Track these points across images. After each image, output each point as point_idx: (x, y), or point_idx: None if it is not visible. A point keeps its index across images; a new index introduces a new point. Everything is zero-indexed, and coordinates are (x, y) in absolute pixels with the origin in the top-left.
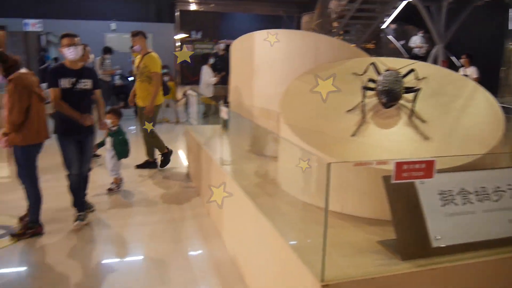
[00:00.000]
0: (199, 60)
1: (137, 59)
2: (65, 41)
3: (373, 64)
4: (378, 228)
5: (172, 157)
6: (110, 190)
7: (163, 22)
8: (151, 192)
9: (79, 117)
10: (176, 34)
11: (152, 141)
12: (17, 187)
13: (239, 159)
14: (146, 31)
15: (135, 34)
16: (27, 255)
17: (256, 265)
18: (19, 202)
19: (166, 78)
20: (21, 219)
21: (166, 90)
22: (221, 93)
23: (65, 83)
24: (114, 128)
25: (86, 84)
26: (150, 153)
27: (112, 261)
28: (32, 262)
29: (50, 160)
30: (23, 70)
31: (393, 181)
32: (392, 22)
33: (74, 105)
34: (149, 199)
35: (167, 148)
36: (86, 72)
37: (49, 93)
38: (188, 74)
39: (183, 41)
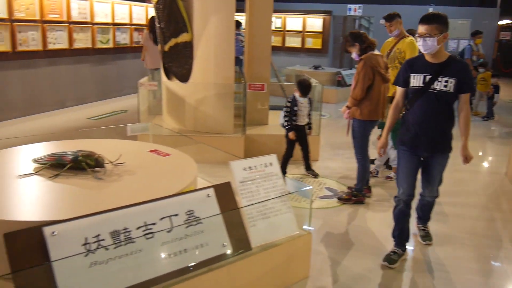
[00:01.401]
0: None
1: (388, 43)
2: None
3: None
4: None
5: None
6: (388, 178)
7: (485, 6)
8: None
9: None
10: (499, 19)
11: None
12: (346, 156)
13: None
14: (465, 16)
15: (390, 18)
16: (348, 217)
17: None
18: (346, 170)
19: (481, 70)
20: (349, 187)
21: None
22: None
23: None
24: None
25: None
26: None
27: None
28: (351, 225)
29: None
30: (376, 52)
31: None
32: None
33: (422, 112)
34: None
35: None
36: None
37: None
38: (501, 65)
39: (504, 27)
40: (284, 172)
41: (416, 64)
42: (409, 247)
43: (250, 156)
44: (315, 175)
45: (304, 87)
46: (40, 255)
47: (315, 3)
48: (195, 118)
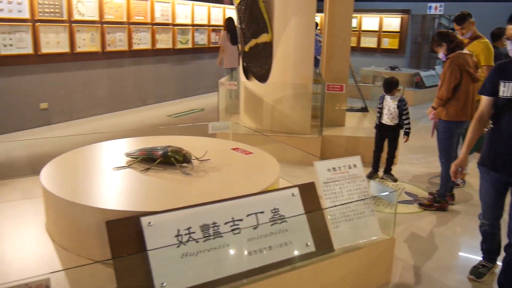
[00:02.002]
0: None
1: None
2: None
3: None
4: None
5: None
6: (456, 185)
7: None
8: None
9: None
10: None
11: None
12: (426, 160)
13: None
14: None
15: (461, 20)
16: (430, 224)
17: None
18: (427, 175)
19: None
20: (431, 193)
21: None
22: None
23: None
24: None
25: None
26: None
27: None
28: (433, 233)
29: None
30: (464, 51)
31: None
32: None
33: None
34: None
35: None
36: None
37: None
38: None
39: None
40: (376, 170)
41: (509, 69)
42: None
43: (326, 157)
44: (394, 180)
45: (387, 84)
46: (137, 243)
47: (393, 2)
48: (272, 117)
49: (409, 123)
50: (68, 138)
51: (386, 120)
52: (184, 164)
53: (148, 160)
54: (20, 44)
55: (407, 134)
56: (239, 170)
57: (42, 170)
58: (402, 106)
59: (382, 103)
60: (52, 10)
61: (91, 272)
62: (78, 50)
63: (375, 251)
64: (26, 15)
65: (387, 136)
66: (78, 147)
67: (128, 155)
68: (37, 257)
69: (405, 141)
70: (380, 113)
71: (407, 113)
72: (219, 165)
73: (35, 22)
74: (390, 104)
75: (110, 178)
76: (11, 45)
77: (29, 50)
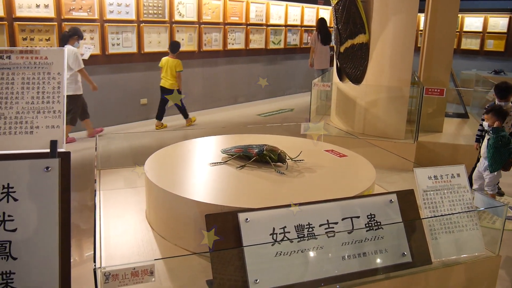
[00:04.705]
0: None
1: None
2: None
3: None
4: None
5: None
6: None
7: None
8: None
9: None
10: None
11: None
12: None
13: None
14: None
15: None
16: None
17: None
18: None
19: None
20: None
21: None
22: None
23: None
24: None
25: None
26: None
27: None
28: None
29: None
30: None
31: None
32: None
33: None
34: None
35: None
36: None
37: None
38: None
39: None
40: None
41: None
42: None
43: (422, 164)
44: (501, 194)
45: (501, 89)
46: (234, 238)
47: (500, 1)
48: (365, 120)
49: None
50: (168, 132)
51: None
52: (279, 164)
53: (243, 157)
54: (126, 43)
55: None
56: (333, 172)
57: (145, 162)
58: None
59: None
60: (155, 11)
61: (187, 263)
62: None
63: (478, 268)
64: (133, 16)
65: None
66: (177, 142)
67: (224, 151)
68: (138, 242)
69: None
70: None
71: None
72: (313, 166)
73: (140, 23)
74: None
75: (207, 173)
76: (118, 44)
77: (134, 49)
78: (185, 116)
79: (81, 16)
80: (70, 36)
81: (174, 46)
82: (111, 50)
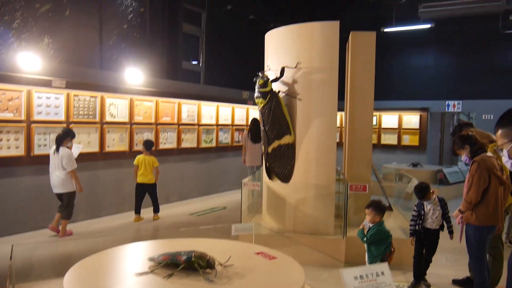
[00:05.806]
0: None
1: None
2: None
3: None
4: None
5: None
6: None
7: None
8: None
9: None
10: None
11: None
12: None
13: None
14: None
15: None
16: None
17: None
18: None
19: None
20: None
21: None
22: None
23: None
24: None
25: None
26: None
27: None
28: None
29: None
30: (488, 154)
31: None
32: None
33: None
34: None
35: None
36: None
37: None
38: None
39: None
40: (419, 280)
41: None
42: None
43: (351, 259)
44: (428, 286)
45: (419, 190)
46: None
47: (411, 100)
48: (295, 218)
49: (450, 221)
50: (91, 238)
51: (432, 224)
52: (207, 270)
53: (171, 265)
54: (52, 143)
55: (452, 232)
56: (263, 276)
57: (65, 275)
58: (445, 206)
59: (420, 209)
60: (86, 112)
61: None
62: (107, 149)
63: None
64: (62, 117)
65: (429, 241)
66: (102, 249)
67: (151, 259)
68: None
69: (451, 239)
70: (422, 219)
71: (449, 211)
72: (243, 271)
73: (70, 123)
74: (432, 207)
75: (132, 284)
76: (45, 145)
77: None
78: (157, 210)
79: (6, 117)
80: (64, 137)
81: (149, 144)
82: (37, 151)
